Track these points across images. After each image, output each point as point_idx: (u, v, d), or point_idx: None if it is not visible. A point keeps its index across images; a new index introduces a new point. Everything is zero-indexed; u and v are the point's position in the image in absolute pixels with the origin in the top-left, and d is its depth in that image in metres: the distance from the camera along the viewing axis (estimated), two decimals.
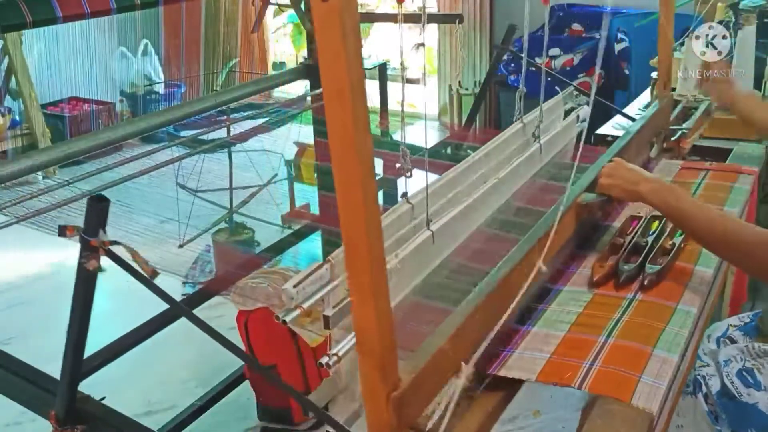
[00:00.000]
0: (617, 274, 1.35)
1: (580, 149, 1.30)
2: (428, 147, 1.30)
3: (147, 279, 1.13)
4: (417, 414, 0.94)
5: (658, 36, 2.04)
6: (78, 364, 1.27)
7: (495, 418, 1.07)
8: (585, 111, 1.81)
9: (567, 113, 1.80)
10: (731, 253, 1.31)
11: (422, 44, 1.05)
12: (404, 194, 1.17)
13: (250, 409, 2.40)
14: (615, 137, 2.54)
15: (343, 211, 0.79)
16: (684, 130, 1.98)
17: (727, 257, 1.39)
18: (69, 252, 1.25)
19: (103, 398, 1.37)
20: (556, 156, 1.68)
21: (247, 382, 2.35)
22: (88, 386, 1.38)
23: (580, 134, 1.80)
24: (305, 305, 0.95)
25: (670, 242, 1.45)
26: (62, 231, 1.13)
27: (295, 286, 0.95)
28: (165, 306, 1.18)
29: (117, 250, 1.12)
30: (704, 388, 1.53)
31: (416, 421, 0.94)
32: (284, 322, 0.94)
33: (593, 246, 1.51)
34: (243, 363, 2.23)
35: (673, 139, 1.98)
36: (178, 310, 1.21)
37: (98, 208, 1.10)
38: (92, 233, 1.10)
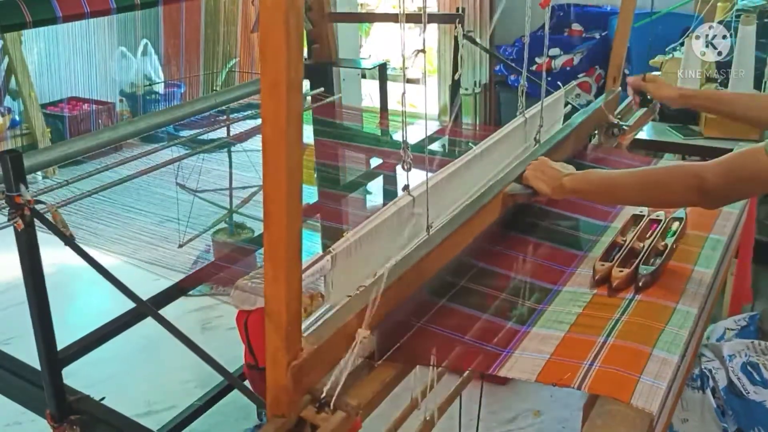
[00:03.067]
0: (611, 279, 1.35)
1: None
2: (419, 141, 1.31)
3: (76, 244, 1.13)
4: (316, 381, 0.99)
5: (615, 33, 2.11)
6: (51, 345, 1.27)
7: (390, 388, 1.10)
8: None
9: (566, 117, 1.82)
10: (663, 196, 1.36)
11: (422, 51, 1.06)
12: (405, 187, 1.18)
13: (250, 409, 2.40)
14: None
15: (267, 192, 0.85)
16: (624, 126, 2.00)
17: (659, 202, 1.47)
18: (68, 252, 1.25)
19: (103, 398, 1.37)
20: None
21: (247, 383, 2.35)
22: (88, 386, 1.39)
23: None
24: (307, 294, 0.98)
25: (662, 243, 1.45)
26: None
27: None
28: (153, 300, 1.18)
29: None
30: (711, 382, 1.53)
31: (314, 387, 0.99)
32: None
33: (593, 246, 1.51)
34: (243, 363, 2.23)
35: (613, 132, 2.04)
36: (144, 308, 1.22)
37: (11, 161, 1.10)
38: (14, 188, 1.10)
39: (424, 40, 1.07)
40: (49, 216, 1.15)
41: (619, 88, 2.15)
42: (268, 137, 0.82)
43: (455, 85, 3.16)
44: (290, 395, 0.94)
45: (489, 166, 1.50)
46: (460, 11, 2.60)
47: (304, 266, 0.98)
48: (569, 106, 1.93)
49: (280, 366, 0.92)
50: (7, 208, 1.60)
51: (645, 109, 2.20)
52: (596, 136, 2.03)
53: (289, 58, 0.77)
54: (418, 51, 1.06)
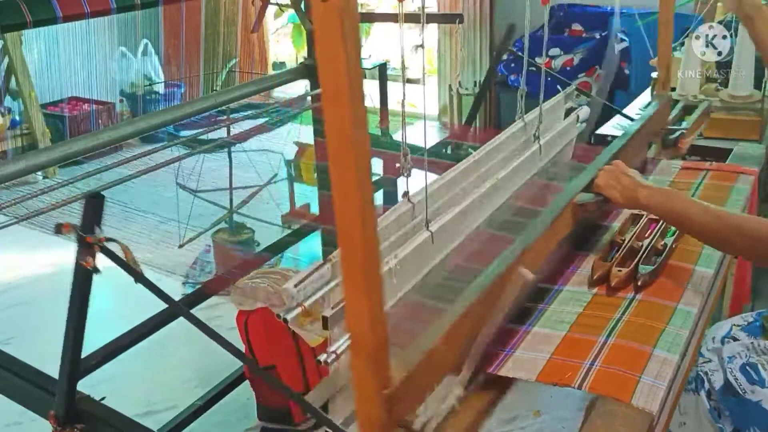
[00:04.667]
0: (610, 278, 1.35)
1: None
2: (428, 146, 1.30)
3: (146, 279, 1.14)
4: (408, 411, 0.95)
5: (658, 35, 2.03)
6: (76, 364, 1.27)
7: (484, 416, 1.08)
8: (585, 112, 1.80)
9: (567, 113, 1.80)
10: (732, 244, 1.31)
11: (421, 45, 1.05)
12: (405, 193, 1.17)
13: (250, 409, 2.40)
14: (615, 137, 2.54)
15: (339, 210, 0.79)
16: (682, 130, 1.97)
17: (727, 249, 1.39)
18: (69, 252, 1.25)
19: (103, 398, 1.37)
20: (556, 156, 1.67)
21: (247, 382, 2.35)
22: (89, 386, 1.38)
23: (580, 135, 1.80)
24: (306, 303, 0.96)
25: (662, 242, 1.45)
26: (58, 228, 1.15)
27: (296, 286, 0.95)
28: (164, 306, 1.19)
29: (113, 247, 1.13)
30: (707, 385, 1.53)
31: (407, 419, 0.95)
32: (285, 320, 0.94)
33: (593, 246, 1.50)
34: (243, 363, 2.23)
35: (671, 138, 1.97)
36: (177, 309, 1.22)
37: (94, 205, 1.11)
38: (88, 230, 1.11)
39: (422, 39, 1.07)
40: (117, 251, 1.15)
41: (670, 93, 2.09)
42: (335, 151, 0.77)
43: (480, 93, 3.13)
44: (383, 427, 0.89)
45: (491, 171, 1.48)
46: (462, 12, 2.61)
47: (304, 274, 0.97)
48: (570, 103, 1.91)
49: (371, 396, 0.87)
50: (7, 207, 1.61)
51: (702, 109, 2.15)
52: (652, 144, 1.97)
53: (348, 62, 0.73)
54: (417, 46, 1.05)
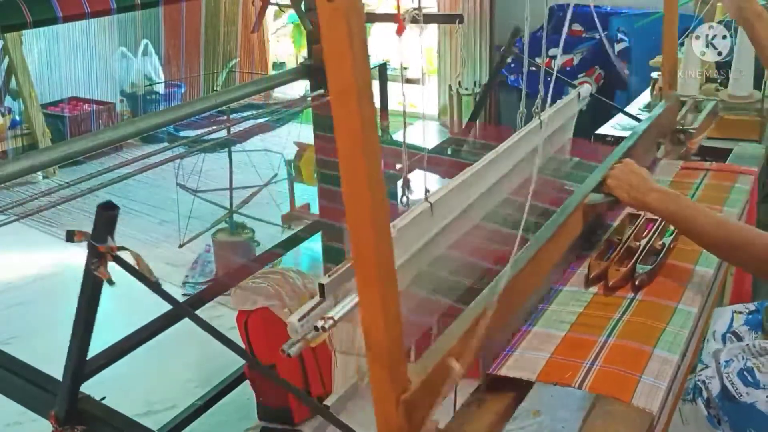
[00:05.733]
0: (607, 277, 1.35)
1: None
2: (430, 147, 1.29)
3: (152, 282, 1.13)
4: (426, 416, 0.93)
5: (663, 35, 2.01)
6: (81, 369, 1.27)
7: (505, 419, 1.08)
8: (586, 89, 1.77)
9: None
10: (736, 256, 1.30)
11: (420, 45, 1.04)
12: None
13: (250, 409, 2.40)
14: (614, 137, 2.54)
15: (350, 215, 0.77)
16: (691, 131, 1.97)
17: (731, 259, 1.38)
18: (69, 252, 1.25)
19: (103, 398, 1.37)
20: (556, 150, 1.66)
21: (247, 382, 2.35)
22: (89, 386, 1.39)
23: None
24: (309, 337, 0.94)
25: (660, 242, 1.45)
26: (70, 236, 1.13)
27: (300, 320, 0.93)
28: (166, 307, 1.19)
29: (124, 256, 1.12)
30: (704, 393, 1.53)
31: (426, 423, 0.92)
32: (289, 355, 0.93)
33: (592, 246, 1.50)
34: (243, 363, 2.23)
35: (680, 138, 1.95)
36: (182, 311, 1.22)
37: (107, 215, 1.11)
38: (100, 239, 1.10)
39: (421, 46, 1.07)
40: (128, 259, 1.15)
41: (677, 92, 2.07)
42: (345, 152, 0.75)
43: (483, 94, 3.10)
44: None
45: (502, 170, 1.46)
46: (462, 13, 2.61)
47: (308, 308, 0.94)
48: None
49: (389, 401, 0.84)
50: (8, 209, 1.60)
51: (709, 109, 2.14)
52: (661, 144, 1.95)
53: (355, 63, 0.72)
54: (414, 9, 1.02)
